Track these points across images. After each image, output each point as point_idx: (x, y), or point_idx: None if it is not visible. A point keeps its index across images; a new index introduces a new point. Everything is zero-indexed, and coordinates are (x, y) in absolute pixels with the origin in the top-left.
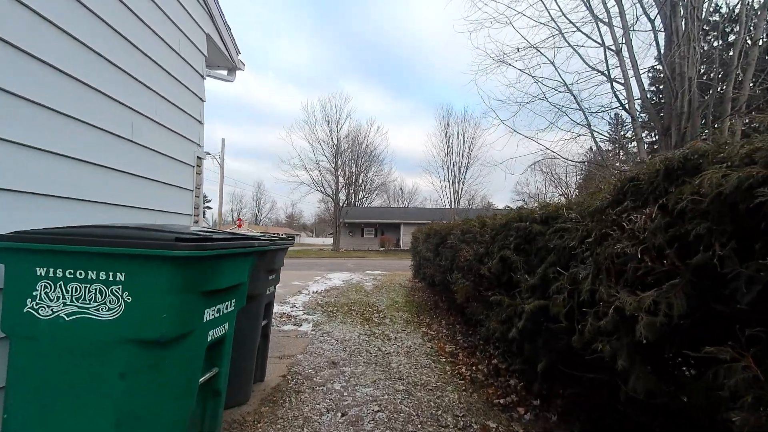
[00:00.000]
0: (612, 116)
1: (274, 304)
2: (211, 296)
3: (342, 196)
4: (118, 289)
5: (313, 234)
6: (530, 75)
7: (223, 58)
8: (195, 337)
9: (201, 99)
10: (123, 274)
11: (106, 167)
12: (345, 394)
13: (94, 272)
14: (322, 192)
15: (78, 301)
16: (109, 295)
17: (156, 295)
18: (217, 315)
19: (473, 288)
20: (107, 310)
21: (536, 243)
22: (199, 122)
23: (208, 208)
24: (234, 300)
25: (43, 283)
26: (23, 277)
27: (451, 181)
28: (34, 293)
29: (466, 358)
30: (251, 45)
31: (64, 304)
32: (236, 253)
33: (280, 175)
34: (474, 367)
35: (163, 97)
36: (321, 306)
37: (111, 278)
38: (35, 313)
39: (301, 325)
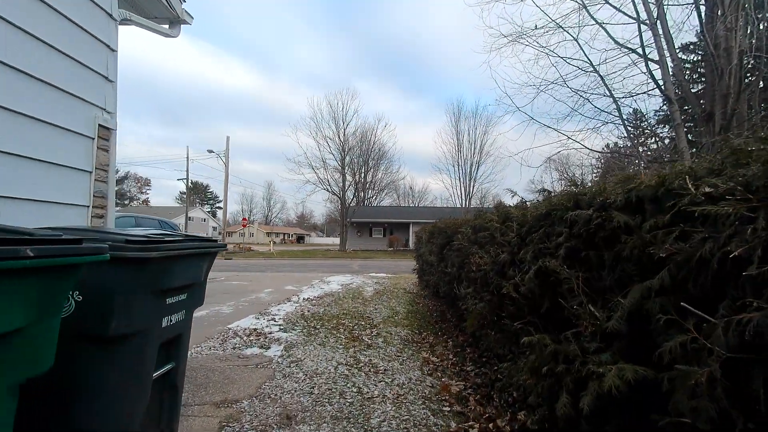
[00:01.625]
0: (641, 102)
1: (249, 318)
2: None
3: (349, 195)
4: None
5: (324, 234)
6: (549, 54)
7: (158, 6)
8: None
9: (109, 48)
10: None
11: None
12: None
13: None
14: (328, 191)
15: None
16: None
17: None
18: None
19: (490, 312)
20: None
21: (615, 247)
22: (106, 79)
23: (219, 208)
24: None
25: None
26: None
27: (461, 179)
28: None
29: (479, 407)
30: (267, 47)
31: None
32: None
33: (286, 173)
34: (492, 425)
35: (19, 27)
36: (305, 318)
37: None
38: None
39: (269, 347)
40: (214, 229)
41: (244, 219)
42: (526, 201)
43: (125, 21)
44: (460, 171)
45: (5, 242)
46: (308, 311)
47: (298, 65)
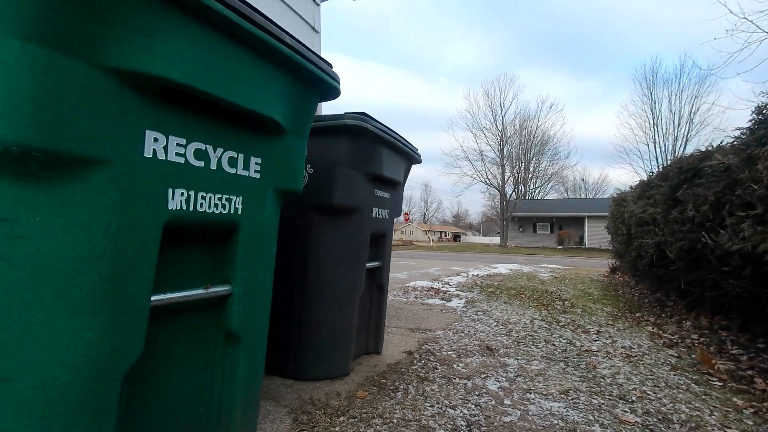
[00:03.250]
0: None
1: (424, 281)
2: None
3: (509, 188)
4: None
5: (479, 233)
6: None
7: None
8: (114, 181)
9: (315, 2)
10: None
11: None
12: (506, 401)
13: None
14: (486, 183)
15: None
16: None
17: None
18: (196, 163)
19: None
20: None
21: None
22: (314, 30)
23: None
24: (258, 159)
25: None
26: None
27: (660, 158)
28: None
29: None
30: (425, 54)
31: None
32: (244, 34)
33: (442, 168)
34: None
35: None
36: (479, 286)
37: None
38: None
39: (450, 300)
40: None
41: (405, 213)
42: None
43: None
44: (657, 149)
45: (270, 20)
46: (481, 282)
47: (454, 65)
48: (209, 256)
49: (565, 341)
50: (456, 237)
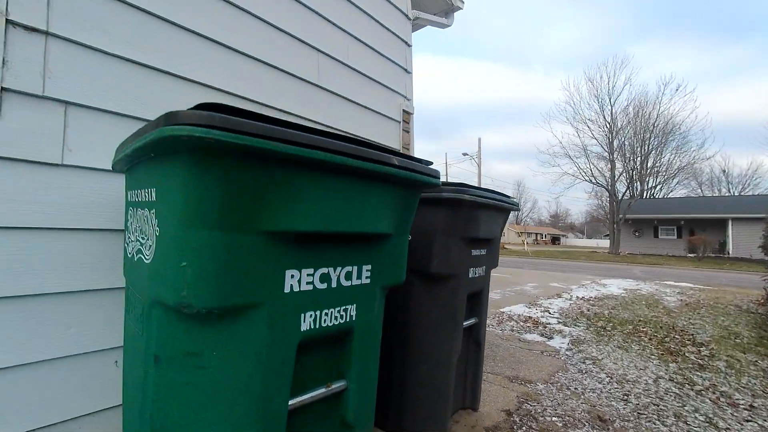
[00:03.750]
0: None
1: (520, 306)
2: (304, 246)
3: (621, 186)
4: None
5: (583, 235)
6: None
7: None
8: (264, 319)
9: (406, 43)
10: (154, 189)
11: (283, 111)
12: None
13: (143, 191)
14: (591, 182)
15: (140, 237)
16: (149, 228)
17: (172, 224)
18: (320, 286)
19: None
20: (148, 250)
21: None
22: (405, 71)
23: None
24: (368, 266)
25: (129, 210)
26: (126, 206)
27: None
28: (128, 223)
29: None
30: (517, 43)
31: (135, 239)
32: (362, 170)
33: (538, 167)
34: None
35: (356, 38)
36: (586, 317)
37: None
38: (126, 249)
39: (551, 337)
40: None
41: None
42: None
43: (415, 20)
44: None
45: (378, 148)
46: (587, 310)
47: (551, 51)
48: (328, 358)
49: (702, 419)
50: (555, 239)
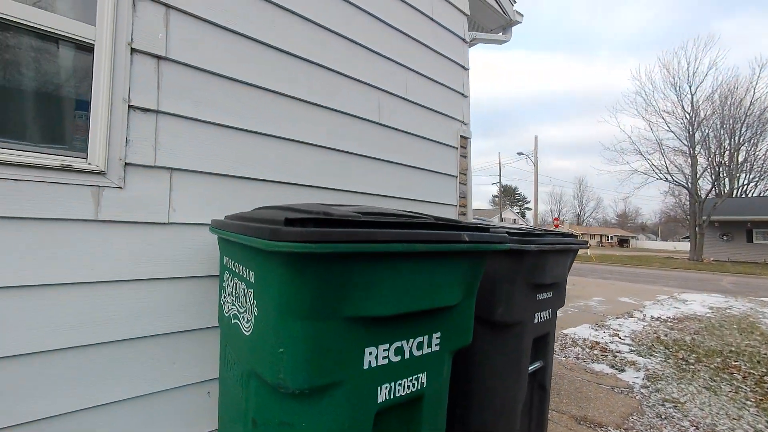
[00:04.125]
0: None
1: (584, 327)
2: (376, 325)
3: (704, 184)
4: (251, 294)
5: (657, 237)
6: None
7: (492, 15)
8: (345, 394)
9: (463, 67)
10: (253, 272)
11: (347, 152)
12: None
13: (241, 267)
14: (667, 180)
15: (236, 303)
16: (247, 302)
17: (269, 311)
18: (395, 359)
19: None
20: (246, 323)
21: None
22: (462, 95)
23: (528, 209)
24: (437, 334)
25: (225, 274)
26: (221, 265)
27: None
28: (223, 284)
29: None
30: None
31: (231, 302)
32: (434, 252)
33: (603, 165)
34: None
35: (414, 71)
36: (663, 344)
37: (246, 276)
38: (222, 307)
39: (623, 369)
40: None
41: (555, 219)
42: None
43: (471, 41)
44: None
45: (448, 227)
46: (665, 335)
47: (618, 37)
48: (401, 423)
49: None
50: (623, 242)
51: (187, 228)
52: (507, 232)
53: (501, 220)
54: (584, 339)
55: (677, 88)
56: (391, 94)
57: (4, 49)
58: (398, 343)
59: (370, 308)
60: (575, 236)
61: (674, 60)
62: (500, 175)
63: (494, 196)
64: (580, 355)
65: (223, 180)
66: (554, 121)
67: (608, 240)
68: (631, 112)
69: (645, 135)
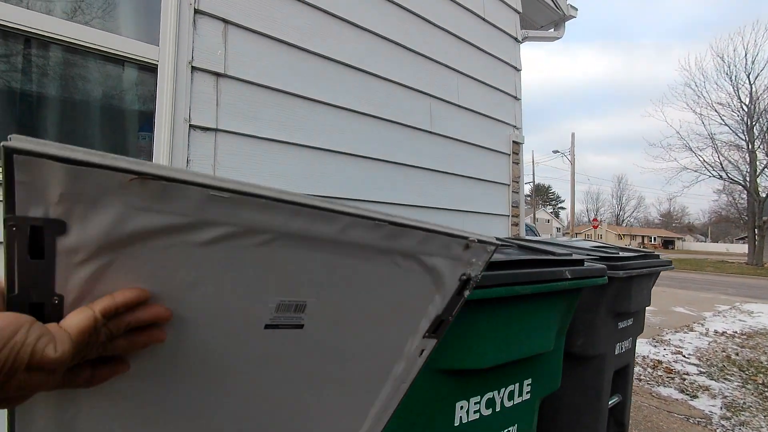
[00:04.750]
0: None
1: (642, 343)
2: (464, 378)
3: (763, 181)
4: None
5: (706, 238)
6: None
7: (544, 11)
8: None
9: (515, 68)
10: None
11: (399, 164)
12: None
13: None
14: (721, 178)
15: None
16: None
17: None
18: (486, 412)
19: None
20: None
21: None
22: (514, 98)
23: (562, 208)
24: (528, 380)
25: None
26: None
27: None
28: None
29: None
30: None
31: None
32: (535, 294)
33: (647, 162)
34: None
35: (465, 74)
36: (737, 365)
37: None
38: None
39: (695, 395)
40: (558, 229)
41: (594, 219)
42: None
43: (523, 40)
44: None
45: (547, 263)
46: (736, 354)
47: (663, 24)
48: None
49: None
50: (667, 243)
51: None
52: (588, 254)
53: (534, 221)
54: (644, 356)
55: (733, 78)
56: (443, 100)
57: (76, 74)
58: (490, 395)
59: (466, 360)
60: (658, 256)
61: (729, 47)
62: (534, 175)
63: (526, 196)
64: (642, 376)
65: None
66: (591, 115)
67: (651, 241)
68: (680, 105)
69: (695, 129)
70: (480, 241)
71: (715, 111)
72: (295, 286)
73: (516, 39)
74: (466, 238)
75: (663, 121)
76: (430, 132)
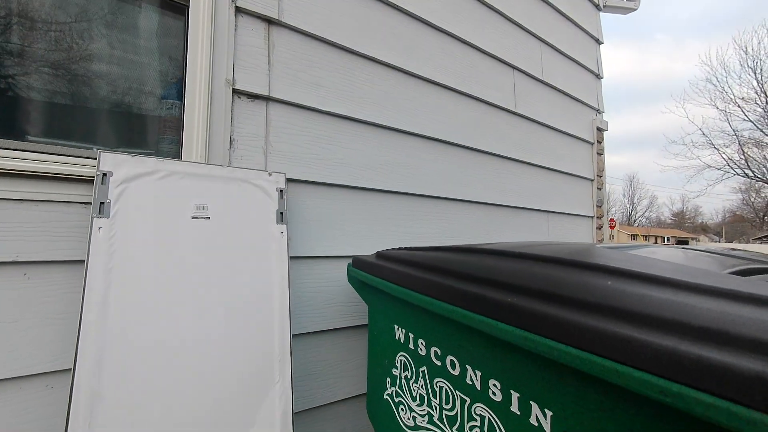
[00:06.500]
0: None
1: None
2: None
3: None
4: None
5: (721, 238)
6: None
7: None
8: None
9: (597, 41)
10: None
11: (481, 151)
12: None
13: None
14: (747, 176)
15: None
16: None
17: None
18: None
19: None
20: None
21: None
22: (597, 76)
23: None
24: None
25: (402, 358)
26: (380, 337)
27: None
28: (393, 371)
29: None
30: (625, 18)
31: (424, 413)
32: None
33: (666, 161)
34: None
35: (549, 44)
36: None
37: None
38: (394, 410)
39: None
40: None
41: (611, 220)
42: None
43: (604, 7)
44: None
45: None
46: None
47: (675, 16)
48: None
49: None
50: (681, 243)
51: (302, 263)
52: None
53: None
54: None
55: (758, 72)
56: (527, 74)
57: (72, 17)
58: None
59: None
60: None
61: (753, 39)
62: None
63: None
64: None
65: (346, 194)
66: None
67: (665, 241)
68: (700, 101)
69: (718, 126)
70: None
71: (737, 106)
72: None
73: (597, 5)
74: None
75: (684, 117)
76: (514, 113)
